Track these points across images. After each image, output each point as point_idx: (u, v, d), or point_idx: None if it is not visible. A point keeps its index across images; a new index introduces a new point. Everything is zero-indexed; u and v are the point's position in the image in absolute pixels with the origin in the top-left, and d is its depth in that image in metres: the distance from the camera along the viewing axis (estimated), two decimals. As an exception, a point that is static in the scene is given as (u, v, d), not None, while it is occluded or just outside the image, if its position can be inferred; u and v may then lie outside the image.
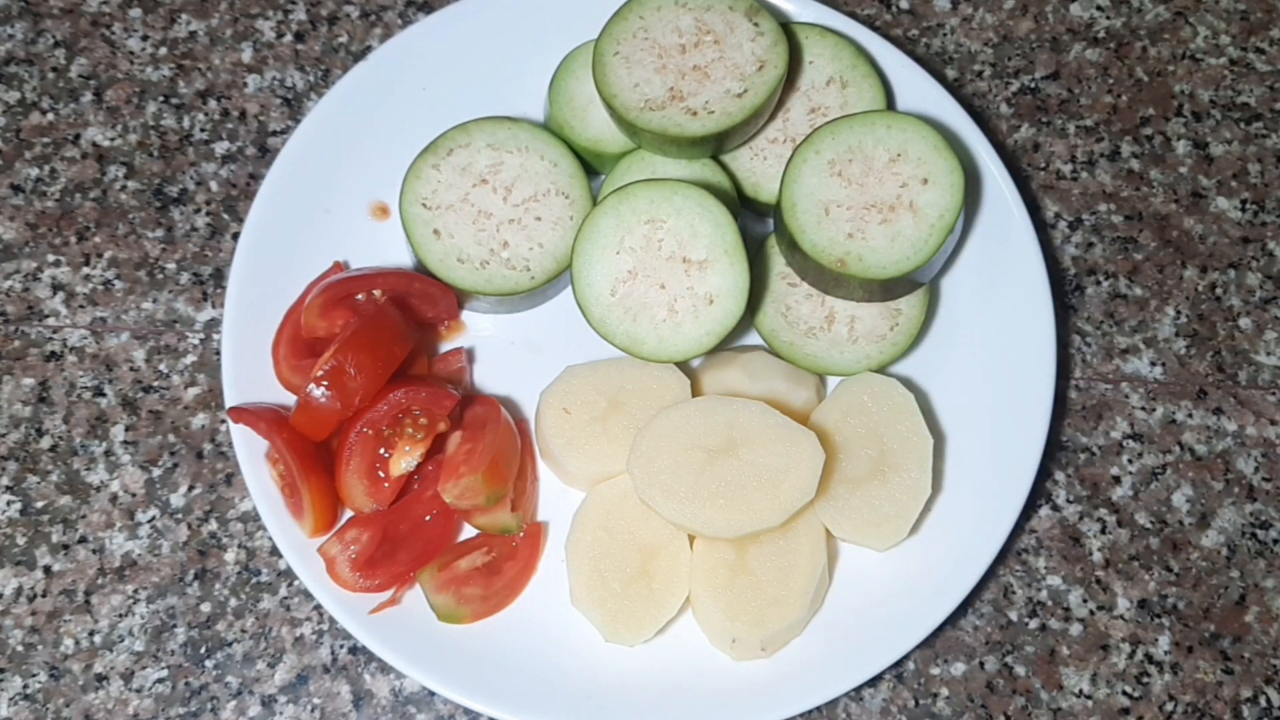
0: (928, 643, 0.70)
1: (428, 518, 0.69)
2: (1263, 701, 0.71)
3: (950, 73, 0.83)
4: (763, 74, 0.70)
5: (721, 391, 0.71)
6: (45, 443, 0.73)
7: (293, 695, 0.69)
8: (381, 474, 0.68)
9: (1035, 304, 0.72)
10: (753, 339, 0.75)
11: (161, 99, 0.80)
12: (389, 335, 0.68)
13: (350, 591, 0.67)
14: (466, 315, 0.75)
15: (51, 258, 0.77)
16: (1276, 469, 0.75)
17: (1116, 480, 0.75)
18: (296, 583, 0.71)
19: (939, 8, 0.85)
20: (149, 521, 0.72)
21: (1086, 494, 0.74)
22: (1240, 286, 0.78)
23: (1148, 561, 0.73)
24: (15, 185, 0.78)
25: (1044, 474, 0.74)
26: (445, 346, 0.74)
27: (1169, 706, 0.70)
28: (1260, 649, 0.72)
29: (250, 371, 0.70)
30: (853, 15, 0.78)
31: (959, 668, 0.71)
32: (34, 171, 0.78)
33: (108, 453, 0.73)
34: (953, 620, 0.70)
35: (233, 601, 0.71)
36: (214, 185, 0.79)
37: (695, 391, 0.72)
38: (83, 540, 0.71)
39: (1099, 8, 0.85)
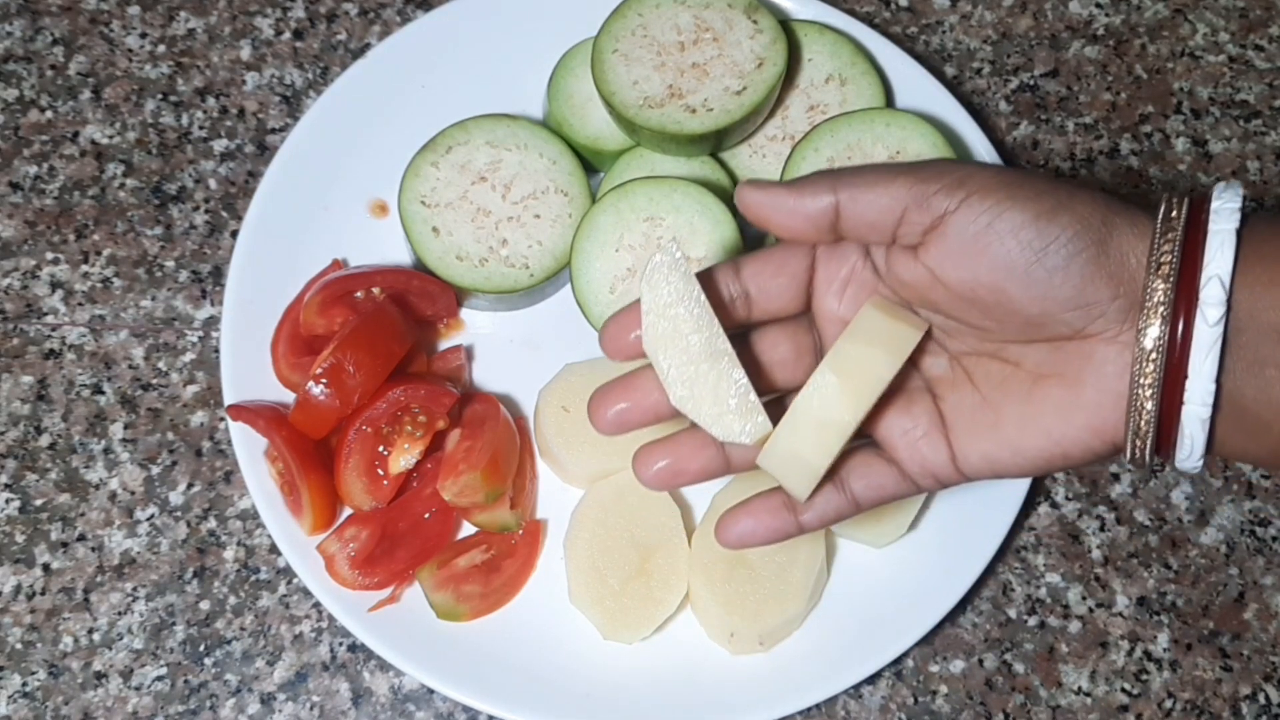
0: (927, 640, 0.70)
1: (427, 515, 0.69)
2: (1261, 699, 0.71)
3: (949, 70, 0.83)
4: (762, 71, 0.70)
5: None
6: (44, 440, 0.73)
7: (292, 693, 0.69)
8: (380, 472, 0.68)
9: (1034, 301, 0.71)
10: (752, 336, 0.75)
11: (160, 96, 0.80)
12: (388, 333, 0.68)
13: (349, 589, 0.67)
14: (465, 313, 0.75)
15: (50, 255, 0.77)
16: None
17: (1115, 478, 0.75)
18: (295, 580, 0.71)
19: (938, 5, 0.85)
20: (148, 519, 0.72)
21: (1085, 491, 0.74)
22: (1239, 284, 0.78)
23: (1147, 559, 0.73)
24: (14, 183, 0.78)
25: (1043, 471, 0.74)
26: (444, 344, 0.74)
27: (1168, 704, 0.70)
28: (1259, 646, 0.72)
29: (249, 369, 0.70)
30: (851, 13, 0.78)
31: (958, 665, 0.71)
32: (32, 169, 0.78)
33: (107, 450, 0.73)
34: (952, 617, 0.70)
35: (232, 599, 0.71)
36: (213, 183, 0.79)
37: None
38: (82, 538, 0.71)
39: (1098, 5, 0.85)
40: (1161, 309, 0.45)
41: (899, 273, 0.50)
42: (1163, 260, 0.45)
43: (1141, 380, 0.46)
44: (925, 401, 0.52)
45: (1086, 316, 0.46)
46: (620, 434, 0.52)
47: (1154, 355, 0.45)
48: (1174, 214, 0.46)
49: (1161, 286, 0.45)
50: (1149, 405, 0.46)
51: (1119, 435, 0.47)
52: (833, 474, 0.52)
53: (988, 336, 0.50)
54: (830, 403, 0.49)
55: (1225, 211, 0.45)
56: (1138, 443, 0.47)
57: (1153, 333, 0.45)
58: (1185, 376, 0.45)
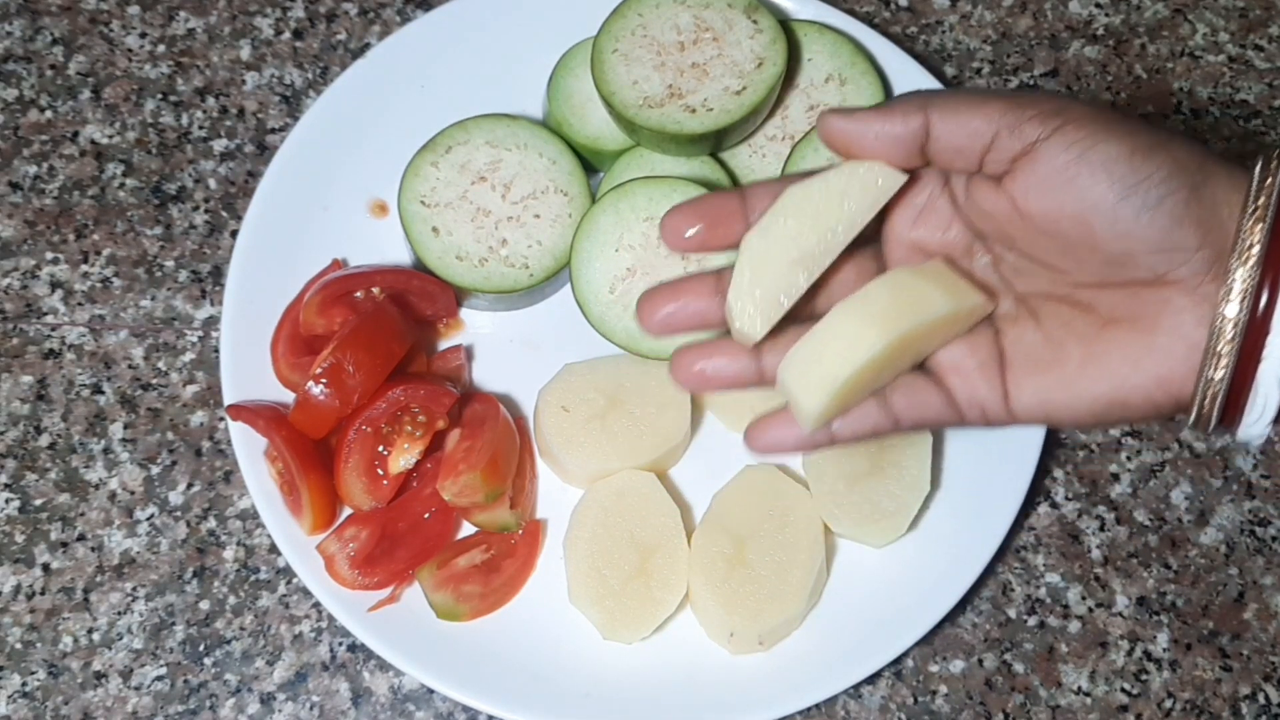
0: (926, 640, 0.70)
1: (426, 515, 0.69)
2: (1261, 699, 0.71)
3: (949, 70, 0.83)
4: (761, 71, 0.70)
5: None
6: (44, 440, 0.73)
7: (291, 693, 0.69)
8: (380, 471, 0.68)
9: (1034, 301, 0.71)
10: (751, 336, 0.74)
11: (160, 96, 0.80)
12: (388, 333, 0.68)
13: (349, 589, 0.67)
14: (465, 313, 0.75)
15: (50, 255, 0.77)
16: (1275, 466, 0.75)
17: (1115, 478, 0.75)
18: (295, 580, 0.71)
19: (937, 5, 0.85)
20: (148, 519, 0.72)
21: (1085, 491, 0.74)
22: (1239, 284, 0.78)
23: (1146, 559, 0.73)
24: (13, 183, 0.78)
25: (1043, 471, 0.74)
26: (444, 344, 0.74)
27: (1167, 704, 0.70)
28: (1259, 646, 0.72)
29: (249, 369, 0.70)
30: (851, 12, 0.78)
31: (958, 665, 0.71)
32: (32, 169, 0.78)
33: (106, 450, 0.73)
34: (951, 617, 0.70)
35: (231, 599, 0.71)
36: (212, 183, 0.79)
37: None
38: (81, 538, 0.71)
39: (1098, 5, 0.85)
40: (1254, 253, 0.44)
41: (979, 201, 0.48)
42: (1259, 206, 0.44)
43: (1221, 329, 0.44)
44: (986, 334, 0.50)
45: (1169, 261, 0.45)
46: (667, 335, 0.52)
47: (1239, 305, 0.44)
48: (1273, 164, 0.45)
49: (1258, 229, 0.44)
50: (1226, 357, 0.44)
51: (1185, 390, 0.46)
52: (875, 390, 0.50)
53: (1061, 279, 0.48)
54: (871, 315, 0.47)
55: None
56: (1208, 397, 0.45)
57: (1241, 276, 0.44)
58: (1267, 332, 0.44)
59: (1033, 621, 0.72)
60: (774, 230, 0.49)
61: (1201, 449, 0.75)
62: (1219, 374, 0.45)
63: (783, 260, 0.49)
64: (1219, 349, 0.44)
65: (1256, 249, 0.44)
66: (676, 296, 0.51)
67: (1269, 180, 0.44)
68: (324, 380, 0.66)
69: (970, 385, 0.50)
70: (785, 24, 0.74)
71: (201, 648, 0.70)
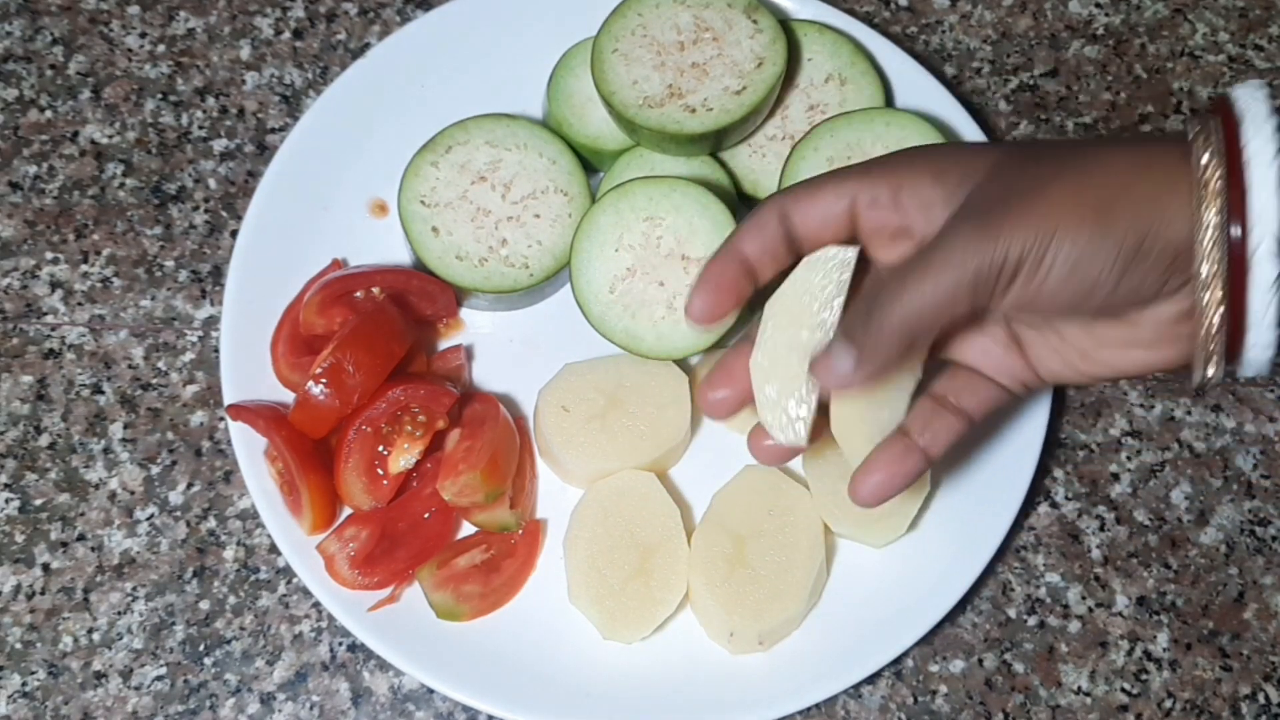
0: (926, 640, 0.70)
1: (426, 515, 0.69)
2: (1261, 698, 0.71)
3: (949, 70, 0.83)
4: (761, 71, 0.70)
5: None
6: (44, 440, 0.73)
7: (291, 693, 0.69)
8: (380, 471, 0.68)
9: (1034, 301, 0.72)
10: (751, 336, 0.75)
11: (160, 96, 0.80)
12: (388, 333, 0.68)
13: (349, 589, 0.67)
14: (465, 313, 0.75)
15: (50, 255, 0.77)
16: (1275, 466, 0.75)
17: (1115, 477, 0.75)
18: (295, 580, 0.71)
19: (937, 5, 0.85)
20: (148, 519, 0.72)
21: (1085, 491, 0.74)
22: (1239, 284, 0.78)
23: (1146, 559, 0.73)
24: (13, 183, 0.78)
25: (1043, 471, 0.74)
26: (444, 344, 0.74)
27: (1167, 704, 0.70)
28: (1259, 646, 0.72)
29: (249, 369, 0.70)
30: (851, 12, 0.78)
31: (958, 665, 0.71)
32: (32, 169, 0.78)
33: (106, 450, 0.73)
34: (951, 617, 0.70)
35: (231, 599, 0.71)
36: (212, 183, 0.79)
37: (694, 389, 0.72)
38: (81, 538, 0.71)
39: (1098, 5, 0.85)
40: (1219, 272, 0.47)
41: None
42: (1210, 225, 0.47)
43: (1207, 321, 0.48)
44: (998, 320, 0.57)
45: (1139, 300, 0.50)
46: (728, 417, 0.59)
47: (1215, 316, 0.48)
48: (1209, 138, 0.48)
49: (1215, 251, 0.47)
50: (1215, 346, 0.49)
51: (1180, 360, 0.52)
52: (937, 397, 0.58)
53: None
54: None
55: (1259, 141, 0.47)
56: (1206, 374, 0.50)
57: (1206, 268, 0.47)
58: (1246, 323, 0.48)
59: (1033, 621, 0.72)
60: (772, 343, 0.55)
61: (1201, 449, 0.75)
62: (1211, 351, 0.49)
63: (792, 364, 0.55)
64: (1211, 302, 0.48)
65: (1219, 265, 0.47)
66: (730, 381, 0.57)
67: (1211, 205, 0.47)
68: (324, 380, 0.66)
69: (1005, 365, 0.57)
70: (785, 24, 0.74)
71: (201, 648, 0.70)
